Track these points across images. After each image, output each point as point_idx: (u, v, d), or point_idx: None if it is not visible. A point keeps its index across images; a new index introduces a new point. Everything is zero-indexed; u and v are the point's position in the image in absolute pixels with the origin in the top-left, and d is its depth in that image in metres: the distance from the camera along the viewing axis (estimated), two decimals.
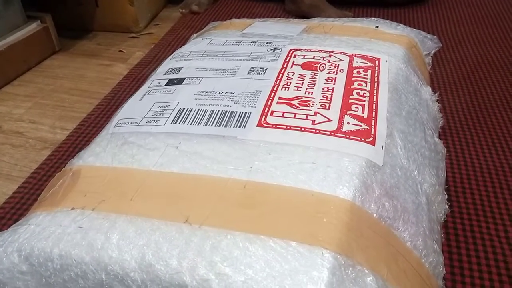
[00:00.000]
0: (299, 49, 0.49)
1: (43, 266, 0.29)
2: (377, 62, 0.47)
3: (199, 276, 0.27)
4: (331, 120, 0.38)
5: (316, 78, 0.44)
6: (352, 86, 0.43)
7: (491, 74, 0.81)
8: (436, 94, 0.53)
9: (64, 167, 0.40)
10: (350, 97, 0.41)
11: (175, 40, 0.97)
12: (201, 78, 0.45)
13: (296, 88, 0.42)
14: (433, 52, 0.61)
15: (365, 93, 0.42)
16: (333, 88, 0.42)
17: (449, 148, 0.63)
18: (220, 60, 0.48)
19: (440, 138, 0.48)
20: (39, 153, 0.66)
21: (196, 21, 1.06)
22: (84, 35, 1.04)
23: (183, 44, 0.58)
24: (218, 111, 0.40)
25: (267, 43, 0.52)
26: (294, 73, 0.45)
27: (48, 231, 0.31)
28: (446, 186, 0.49)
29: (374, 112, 0.39)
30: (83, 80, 0.86)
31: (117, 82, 0.83)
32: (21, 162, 0.64)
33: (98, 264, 0.28)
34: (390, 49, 0.50)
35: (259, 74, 0.45)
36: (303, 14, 1.01)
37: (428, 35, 0.61)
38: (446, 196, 0.42)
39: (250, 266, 0.27)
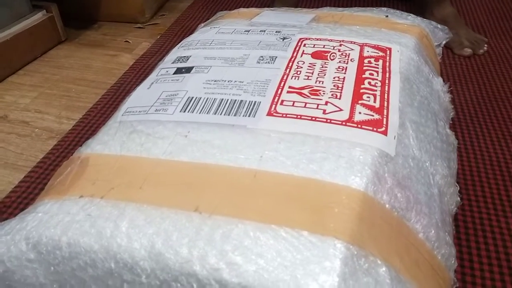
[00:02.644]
0: (309, 38, 0.48)
1: (51, 254, 0.29)
2: (388, 51, 0.46)
3: (209, 265, 0.26)
4: (343, 110, 0.37)
5: (326, 67, 0.43)
6: (364, 76, 0.42)
7: (501, 66, 0.80)
8: (447, 85, 0.52)
9: (70, 156, 0.39)
10: (362, 86, 0.40)
11: (181, 31, 0.96)
12: (209, 67, 0.44)
13: (306, 77, 0.42)
14: (443, 42, 0.61)
15: (377, 83, 0.41)
16: (344, 77, 0.42)
17: (459, 140, 0.62)
18: (228, 49, 0.48)
19: (450, 129, 0.48)
20: (45, 143, 0.66)
21: (203, 11, 1.05)
22: (90, 25, 1.03)
23: (190, 35, 0.57)
24: (227, 100, 0.39)
25: (276, 32, 0.51)
26: (304, 62, 0.44)
27: (56, 219, 0.30)
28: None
29: (386, 102, 0.39)
30: (89, 70, 0.85)
31: (123, 72, 0.82)
32: (27, 152, 0.64)
33: (107, 252, 0.28)
34: (401, 38, 0.49)
35: (269, 63, 0.44)
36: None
37: (439, 26, 0.60)
38: (458, 188, 0.42)
39: (262, 256, 0.26)
